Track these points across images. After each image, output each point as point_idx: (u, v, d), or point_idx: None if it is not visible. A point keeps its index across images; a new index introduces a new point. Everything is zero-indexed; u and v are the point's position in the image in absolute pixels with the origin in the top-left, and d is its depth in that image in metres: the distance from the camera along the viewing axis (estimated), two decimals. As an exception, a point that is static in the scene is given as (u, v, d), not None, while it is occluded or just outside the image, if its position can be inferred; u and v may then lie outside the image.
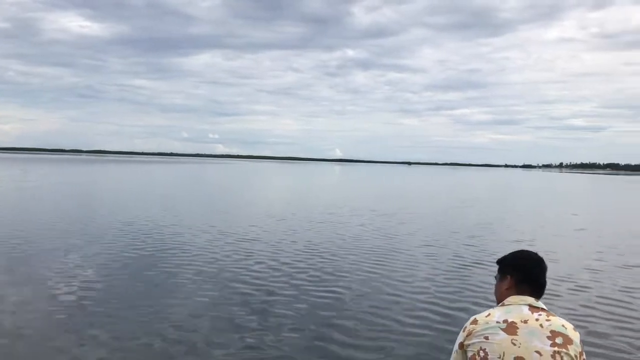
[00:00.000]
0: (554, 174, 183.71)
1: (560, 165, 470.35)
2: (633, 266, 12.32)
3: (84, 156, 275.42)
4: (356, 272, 10.59)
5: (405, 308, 8.16)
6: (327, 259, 11.92)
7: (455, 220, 21.02)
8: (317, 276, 10.12)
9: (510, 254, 2.71)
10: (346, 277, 10.15)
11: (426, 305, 8.30)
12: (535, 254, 2.66)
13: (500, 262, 2.72)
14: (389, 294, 8.94)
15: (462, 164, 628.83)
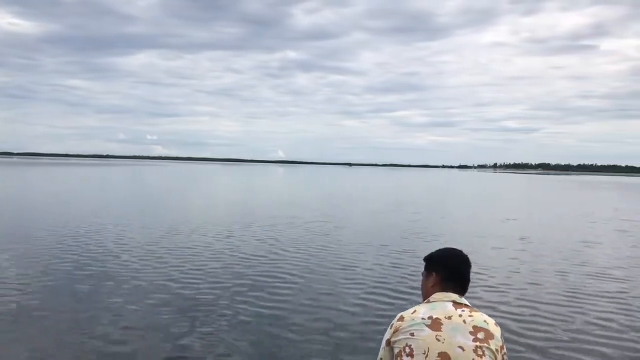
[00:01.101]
0: (489, 174, 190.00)
1: (495, 166, 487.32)
2: (556, 264, 12.72)
3: (15, 159, 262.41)
4: (293, 275, 10.44)
5: (341, 307, 8.07)
6: (262, 262, 11.70)
7: (390, 220, 21.19)
8: (254, 279, 9.90)
9: (436, 251, 2.76)
10: (283, 279, 9.99)
11: (361, 302, 8.26)
12: (460, 252, 2.71)
13: (426, 259, 2.76)
14: (326, 294, 8.83)
15: (401, 165, 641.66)
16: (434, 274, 2.65)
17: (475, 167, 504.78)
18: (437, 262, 2.67)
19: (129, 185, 46.23)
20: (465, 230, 18.90)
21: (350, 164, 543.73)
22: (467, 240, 15.90)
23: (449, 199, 40.53)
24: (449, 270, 2.62)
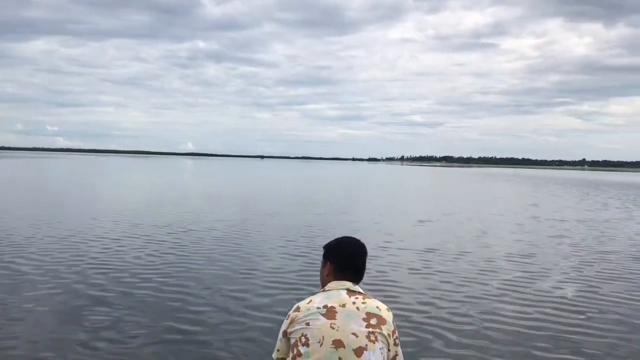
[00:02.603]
0: (397, 167, 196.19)
1: (402, 159, 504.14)
2: (453, 251, 13.19)
3: None
4: (200, 270, 10.10)
5: (243, 296, 7.87)
6: (165, 256, 11.25)
7: (298, 212, 21.21)
8: (151, 275, 9.46)
9: (333, 240, 2.77)
10: (187, 275, 9.63)
11: (262, 292, 8.10)
12: (355, 240, 2.74)
13: (324, 248, 2.78)
14: (229, 284, 8.59)
15: (313, 158, 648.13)
16: (328, 263, 2.68)
17: (383, 160, 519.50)
18: (332, 252, 2.70)
19: (15, 178, 43.30)
20: (371, 218, 19.20)
21: (262, 157, 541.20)
22: (371, 229, 16.15)
23: (358, 190, 41.25)
24: (343, 259, 2.65)
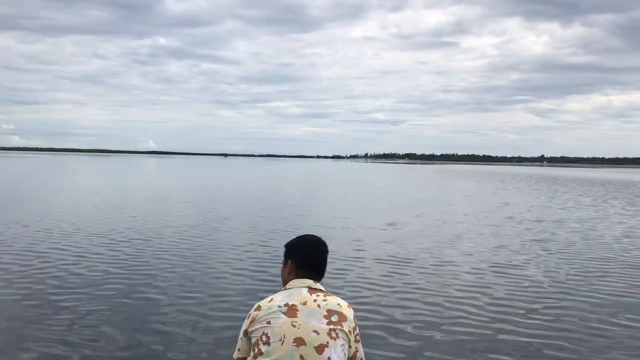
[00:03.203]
0: (361, 164, 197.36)
1: (366, 156, 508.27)
2: (416, 247, 13.31)
3: None
4: (157, 275, 9.93)
5: (206, 297, 7.78)
6: (128, 257, 11.03)
7: (262, 211, 21.11)
8: (114, 275, 9.26)
9: (294, 239, 2.79)
10: (148, 274, 9.46)
11: (224, 292, 8.03)
12: (316, 238, 2.78)
13: (285, 247, 2.80)
14: (191, 284, 8.49)
15: (277, 156, 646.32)
16: (289, 261, 2.70)
17: (347, 158, 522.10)
18: (293, 250, 2.72)
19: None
20: (334, 217, 19.19)
21: (226, 155, 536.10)
22: (334, 227, 16.19)
23: (322, 188, 41.33)
24: (303, 258, 2.67)
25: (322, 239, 2.76)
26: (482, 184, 51.38)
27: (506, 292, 8.69)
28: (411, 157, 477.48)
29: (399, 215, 20.08)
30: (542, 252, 12.41)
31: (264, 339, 2.44)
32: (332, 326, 2.45)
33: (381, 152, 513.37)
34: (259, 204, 23.95)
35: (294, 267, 2.67)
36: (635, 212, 23.13)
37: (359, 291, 8.50)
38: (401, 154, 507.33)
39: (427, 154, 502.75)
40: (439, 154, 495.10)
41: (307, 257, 2.67)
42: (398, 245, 13.09)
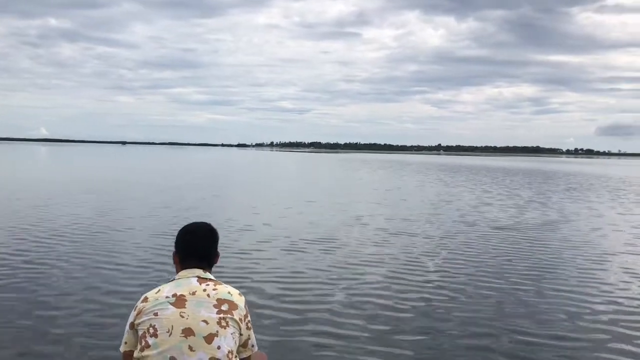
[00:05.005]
0: (267, 152, 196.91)
1: (272, 144, 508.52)
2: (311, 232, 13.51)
3: None
4: (49, 271, 9.40)
5: (98, 290, 7.45)
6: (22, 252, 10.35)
7: (160, 202, 20.62)
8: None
9: (180, 229, 2.77)
10: (45, 270, 8.92)
11: (118, 286, 7.72)
12: (199, 226, 2.74)
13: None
14: (84, 279, 8.10)
15: (180, 144, 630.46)
16: (175, 252, 2.70)
17: (253, 146, 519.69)
18: (177, 241, 2.70)
19: None
20: (238, 205, 19.05)
21: (124, 143, 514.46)
22: (237, 215, 16.08)
23: (226, 177, 40.85)
24: (185, 248, 2.65)
25: (211, 225, 2.71)
26: (409, 176, 52.97)
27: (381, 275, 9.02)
28: (316, 146, 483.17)
29: (298, 204, 20.26)
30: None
31: (151, 331, 2.40)
32: (222, 315, 2.44)
33: (287, 141, 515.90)
34: (158, 194, 23.22)
35: (178, 258, 2.67)
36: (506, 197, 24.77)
37: (257, 280, 8.25)
38: (307, 142, 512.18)
39: (332, 142, 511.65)
40: (342, 142, 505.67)
41: (189, 248, 2.65)
42: (293, 231, 13.17)
